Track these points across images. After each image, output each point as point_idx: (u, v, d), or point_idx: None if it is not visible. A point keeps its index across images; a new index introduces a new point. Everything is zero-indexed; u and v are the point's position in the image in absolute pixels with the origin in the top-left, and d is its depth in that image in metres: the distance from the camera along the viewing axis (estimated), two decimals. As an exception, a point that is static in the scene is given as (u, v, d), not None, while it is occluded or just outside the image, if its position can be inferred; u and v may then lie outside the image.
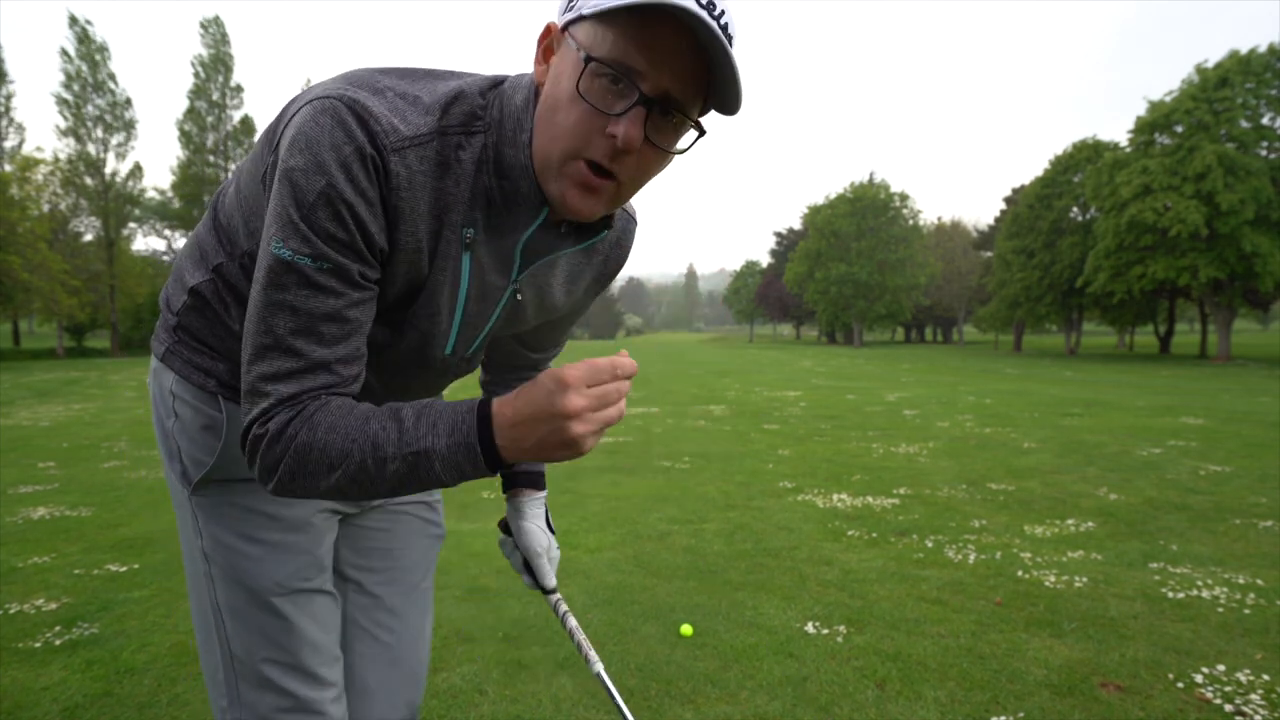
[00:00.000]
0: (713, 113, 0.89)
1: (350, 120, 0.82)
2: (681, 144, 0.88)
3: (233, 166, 42.46)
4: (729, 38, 0.81)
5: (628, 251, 1.15)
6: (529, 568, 1.38)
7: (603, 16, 0.80)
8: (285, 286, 0.83)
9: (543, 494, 1.39)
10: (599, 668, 1.35)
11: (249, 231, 0.97)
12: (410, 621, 1.30)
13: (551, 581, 1.38)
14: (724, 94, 0.84)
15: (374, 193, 0.83)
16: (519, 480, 1.37)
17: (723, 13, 0.80)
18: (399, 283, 0.92)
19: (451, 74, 0.95)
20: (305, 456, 0.82)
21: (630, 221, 1.13)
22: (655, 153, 0.86)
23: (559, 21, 0.86)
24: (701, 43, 0.79)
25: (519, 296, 1.02)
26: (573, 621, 1.35)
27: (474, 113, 0.89)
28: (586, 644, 1.34)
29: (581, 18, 0.82)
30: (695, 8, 0.77)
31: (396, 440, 0.81)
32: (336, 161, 0.81)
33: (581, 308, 1.21)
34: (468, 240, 0.93)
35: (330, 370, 0.85)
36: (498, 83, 0.93)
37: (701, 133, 0.87)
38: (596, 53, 0.80)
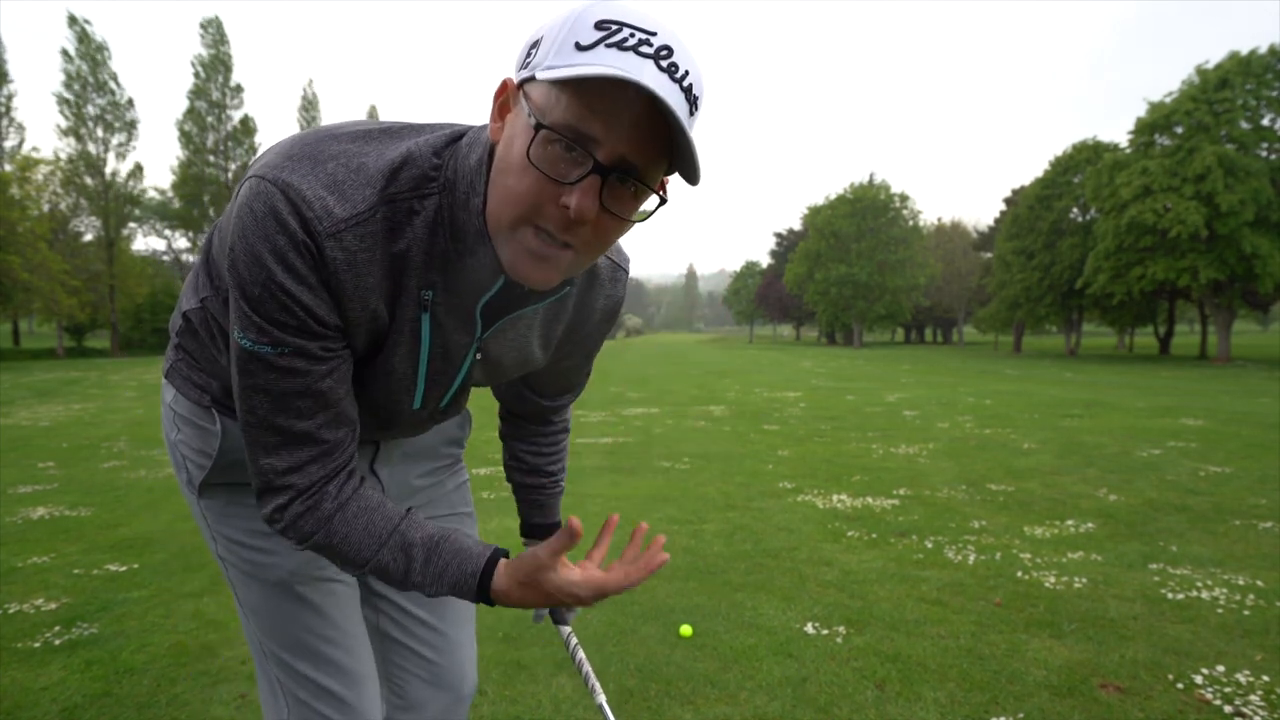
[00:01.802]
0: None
1: (281, 208, 0.80)
2: (645, 207, 0.84)
3: (233, 167, 42.80)
4: (694, 99, 0.78)
5: (620, 302, 1.14)
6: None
7: (557, 81, 0.76)
8: (254, 373, 0.86)
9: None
10: (601, 699, 1.37)
11: None
12: (448, 634, 1.32)
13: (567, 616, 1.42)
14: (683, 165, 0.80)
15: (314, 278, 0.82)
16: (537, 533, 1.40)
17: (686, 74, 0.76)
18: (361, 344, 0.92)
19: (410, 129, 0.91)
20: (325, 552, 0.94)
21: (620, 271, 1.11)
22: (613, 220, 0.82)
23: (515, 78, 0.82)
24: (661, 110, 0.75)
25: (479, 355, 1.01)
26: (581, 654, 1.38)
27: (426, 175, 0.87)
28: (593, 677, 1.36)
29: (536, 78, 0.77)
30: (654, 80, 0.73)
31: (403, 575, 0.93)
32: (271, 253, 0.80)
33: (586, 353, 1.19)
34: (425, 301, 0.91)
35: (315, 440, 0.90)
36: (456, 137, 0.90)
37: (664, 201, 0.84)
38: (550, 117, 0.76)
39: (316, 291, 0.83)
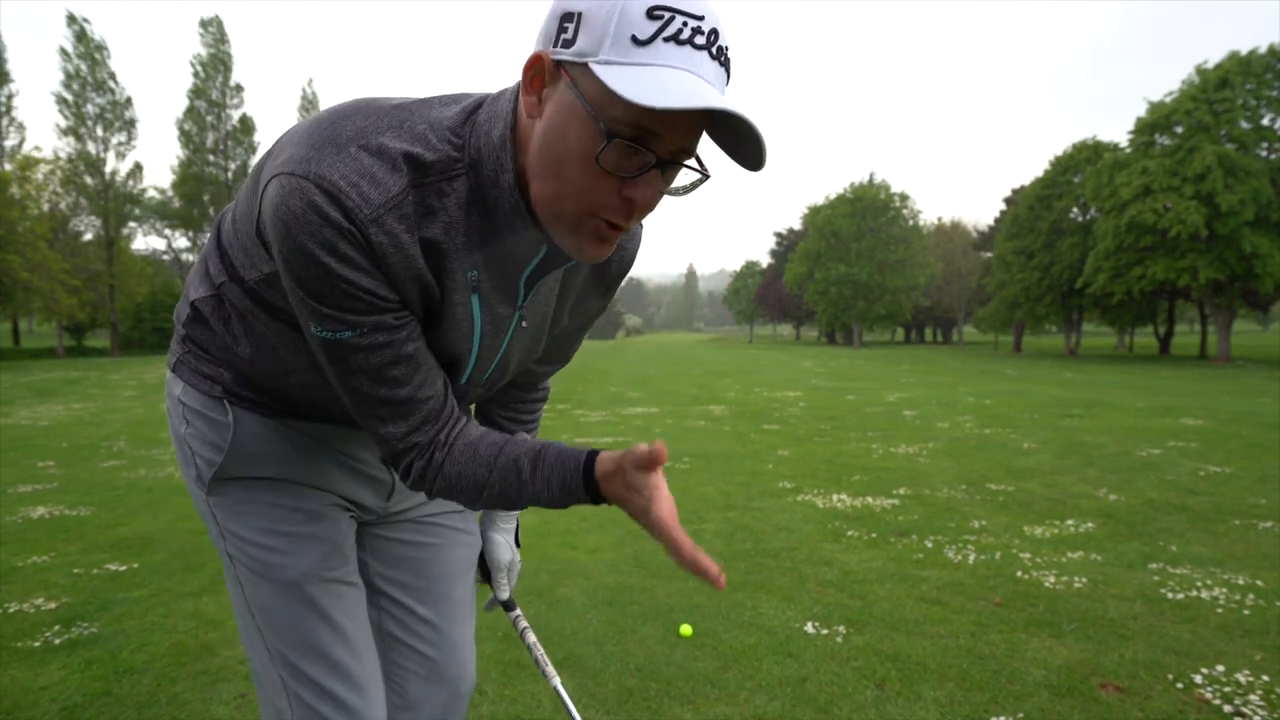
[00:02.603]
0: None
1: (320, 201, 0.80)
2: (681, 181, 0.88)
3: (233, 166, 42.80)
4: (727, 61, 0.80)
5: (633, 254, 1.13)
6: (489, 577, 1.43)
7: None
8: (344, 358, 0.89)
9: (516, 511, 1.40)
10: (556, 682, 1.40)
11: (249, 262, 0.97)
12: (449, 633, 1.31)
13: (505, 594, 1.43)
14: (751, 159, 0.82)
15: (367, 263, 0.83)
16: None
17: (726, 48, 0.79)
18: (419, 314, 0.94)
19: (421, 103, 0.90)
20: (448, 493, 1.00)
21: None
22: (660, 196, 0.86)
23: (550, 54, 0.79)
24: (737, 125, 0.78)
25: (524, 323, 1.03)
26: (532, 637, 1.41)
27: (449, 156, 0.86)
28: (544, 659, 1.40)
29: (590, 68, 0.75)
30: (715, 76, 0.77)
31: (516, 491, 0.97)
32: (321, 247, 0.81)
33: (590, 316, 1.19)
34: (474, 283, 0.93)
35: (419, 401, 0.94)
36: (473, 110, 0.89)
37: (706, 176, 0.87)
38: (611, 114, 0.76)
39: (372, 274, 0.84)
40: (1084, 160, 40.26)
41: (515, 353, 1.08)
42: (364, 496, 1.20)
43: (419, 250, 0.87)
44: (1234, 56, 30.36)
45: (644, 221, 1.12)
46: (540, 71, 0.81)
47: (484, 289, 0.94)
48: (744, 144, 0.80)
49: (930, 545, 4.06)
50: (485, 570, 1.43)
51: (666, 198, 0.88)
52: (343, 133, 0.84)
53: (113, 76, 37.72)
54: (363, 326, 0.86)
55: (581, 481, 0.93)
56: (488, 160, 0.86)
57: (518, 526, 1.44)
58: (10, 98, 35.90)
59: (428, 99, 0.92)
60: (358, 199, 0.81)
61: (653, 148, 0.78)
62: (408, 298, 0.89)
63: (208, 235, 1.10)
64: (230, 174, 42.73)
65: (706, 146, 0.86)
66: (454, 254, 0.89)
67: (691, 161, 0.84)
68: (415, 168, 0.85)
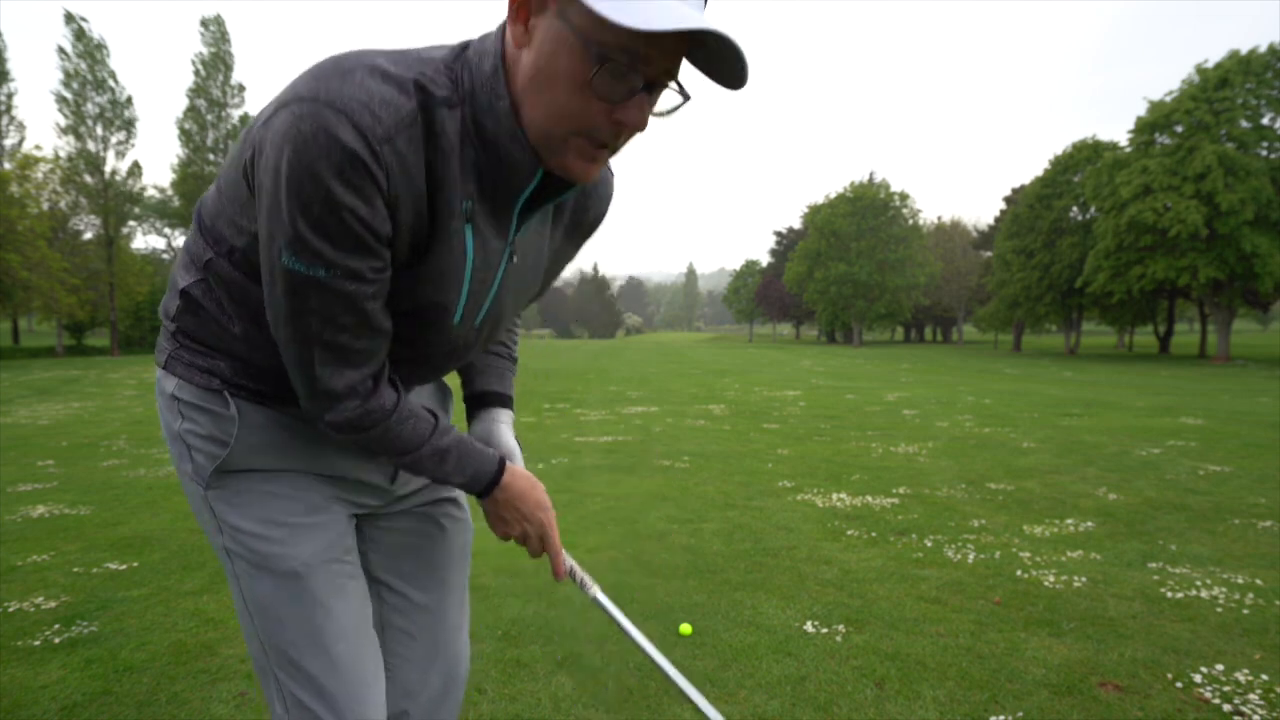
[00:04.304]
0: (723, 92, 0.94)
1: (332, 122, 0.81)
2: (664, 105, 0.91)
3: (232, 165, 42.69)
4: None
5: (608, 200, 1.17)
6: None
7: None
8: (305, 296, 0.89)
9: (511, 413, 1.36)
10: (595, 590, 1.31)
11: (237, 229, 0.97)
12: (447, 620, 1.32)
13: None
14: (732, 77, 0.85)
15: (372, 189, 0.84)
16: (490, 400, 1.32)
17: None
18: (402, 255, 0.94)
19: (413, 49, 0.94)
20: (378, 444, 1.05)
21: (608, 172, 1.16)
22: (648, 117, 0.89)
23: None
24: (721, 43, 0.81)
25: (515, 258, 1.04)
26: (571, 561, 1.32)
27: (447, 87, 0.90)
28: (589, 581, 1.31)
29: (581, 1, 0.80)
30: (714, 24, 0.78)
31: (432, 471, 1.10)
32: (330, 170, 0.81)
33: (561, 262, 1.20)
34: (468, 213, 0.94)
35: (364, 353, 0.96)
36: (461, 50, 0.93)
37: (686, 98, 0.90)
38: (601, 39, 0.80)
39: (373, 205, 0.85)
40: (1084, 160, 40.30)
41: (508, 293, 1.08)
42: (371, 475, 1.19)
43: (424, 174, 0.89)
44: (1234, 56, 30.37)
45: (617, 180, 1.19)
46: (525, 2, 0.85)
47: (478, 220, 0.96)
48: (725, 63, 0.84)
49: (930, 544, 4.06)
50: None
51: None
52: (344, 63, 0.86)
53: (112, 75, 37.60)
54: (338, 267, 0.87)
55: (488, 485, 1.15)
56: (482, 91, 0.90)
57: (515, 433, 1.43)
58: (10, 96, 35.88)
59: (415, 47, 0.95)
60: (371, 119, 0.83)
61: (640, 71, 0.83)
62: (401, 226, 0.90)
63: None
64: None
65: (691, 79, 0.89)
66: (450, 184, 0.91)
67: (674, 86, 0.88)
68: (419, 92, 0.87)
